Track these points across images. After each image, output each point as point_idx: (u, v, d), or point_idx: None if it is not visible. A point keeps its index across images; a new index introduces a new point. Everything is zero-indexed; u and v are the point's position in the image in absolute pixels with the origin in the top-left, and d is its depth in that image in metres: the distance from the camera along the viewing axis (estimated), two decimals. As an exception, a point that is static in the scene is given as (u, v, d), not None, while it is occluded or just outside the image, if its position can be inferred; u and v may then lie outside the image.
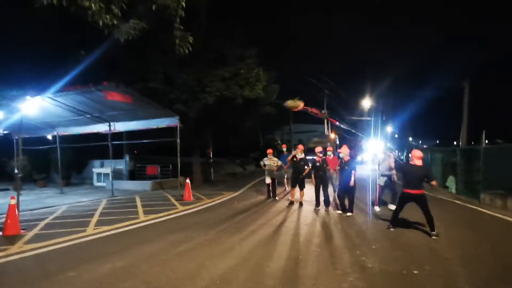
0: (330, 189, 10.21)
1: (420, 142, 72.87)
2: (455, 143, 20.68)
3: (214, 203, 11.05)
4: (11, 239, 6.34)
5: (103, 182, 16.50)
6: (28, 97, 8.34)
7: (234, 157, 29.34)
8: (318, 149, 10.17)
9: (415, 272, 4.69)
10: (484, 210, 9.66)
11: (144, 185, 15.06)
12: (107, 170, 16.24)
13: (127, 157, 17.50)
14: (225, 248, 5.83)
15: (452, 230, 7.18)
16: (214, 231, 7.09)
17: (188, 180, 11.95)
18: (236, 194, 13.27)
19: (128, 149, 17.59)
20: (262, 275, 4.60)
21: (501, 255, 5.53)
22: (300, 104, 10.05)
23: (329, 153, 10.58)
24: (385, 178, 9.54)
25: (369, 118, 33.98)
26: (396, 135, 58.85)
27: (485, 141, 12.02)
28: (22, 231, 6.83)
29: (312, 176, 10.00)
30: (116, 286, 4.26)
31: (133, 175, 17.31)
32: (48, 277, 4.53)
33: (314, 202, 9.86)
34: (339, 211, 9.20)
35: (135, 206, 10.25)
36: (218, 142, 20.85)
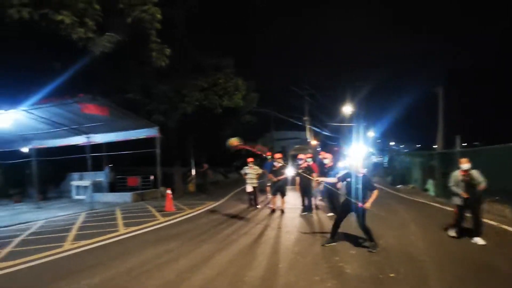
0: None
1: (402, 146, 74.44)
2: (435, 147, 21.27)
3: (195, 213, 11.00)
4: (-17, 258, 6.15)
5: (83, 195, 16.15)
6: (1, 111, 8.17)
7: (217, 166, 29.23)
8: (301, 156, 10.55)
9: (391, 275, 4.81)
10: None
11: (124, 197, 14.83)
12: (86, 182, 15.90)
13: (107, 169, 17.19)
14: (205, 259, 5.83)
15: (428, 233, 7.39)
16: (194, 242, 7.07)
17: (169, 191, 11.85)
18: (218, 203, 13.23)
19: (107, 161, 17.30)
20: (240, 284, 4.63)
21: (474, 256, 5.73)
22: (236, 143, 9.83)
23: (308, 159, 10.76)
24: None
25: (350, 124, 34.57)
26: (379, 140, 59.90)
27: (462, 145, 12.42)
28: (-4, 249, 6.64)
29: (296, 183, 10.20)
30: (92, 302, 4.21)
31: (113, 187, 17.01)
32: (21, 296, 4.43)
33: (295, 209, 9.98)
34: (331, 214, 9.48)
35: (115, 219, 10.09)
36: (200, 151, 20.79)
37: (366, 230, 6.12)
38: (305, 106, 33.52)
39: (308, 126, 33.44)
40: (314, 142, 31.13)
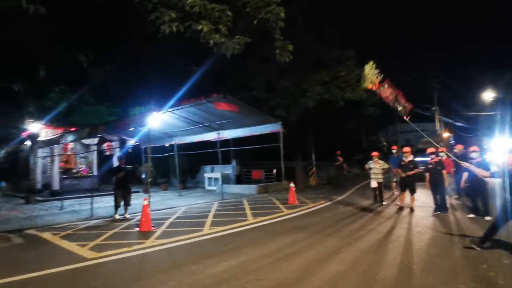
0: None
1: None
2: None
3: (318, 207, 11.06)
4: (145, 235, 7.45)
5: (214, 186, 17.91)
6: (154, 113, 9.65)
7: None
8: (430, 150, 9.69)
9: None
10: None
11: (250, 189, 15.85)
12: (216, 174, 17.63)
13: (234, 163, 18.65)
14: (332, 252, 5.84)
15: None
16: (320, 235, 7.14)
17: (292, 184, 12.18)
18: (340, 198, 13.02)
19: (234, 155, 18.74)
20: (372, 282, 4.48)
21: None
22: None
23: (441, 154, 9.68)
24: None
25: (492, 113, 29.74)
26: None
27: None
28: (153, 228, 7.95)
29: (426, 179, 9.36)
30: (232, 281, 4.67)
31: (239, 179, 18.34)
32: (176, 268, 5.22)
33: (426, 208, 9.16)
34: (471, 215, 8.50)
35: (244, 209, 10.89)
36: (320, 145, 20.74)
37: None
38: (434, 95, 30.16)
39: (438, 117, 30.06)
40: (446, 134, 27.72)
